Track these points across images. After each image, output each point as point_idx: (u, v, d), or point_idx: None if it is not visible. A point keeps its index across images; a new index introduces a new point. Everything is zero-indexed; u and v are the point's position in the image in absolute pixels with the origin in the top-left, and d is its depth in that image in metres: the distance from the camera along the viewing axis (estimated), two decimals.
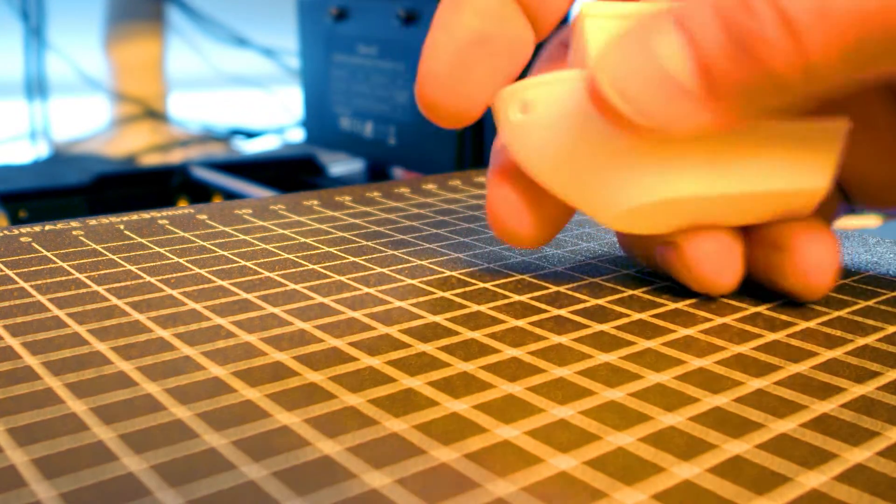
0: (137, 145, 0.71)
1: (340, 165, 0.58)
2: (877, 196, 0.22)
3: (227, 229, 0.25)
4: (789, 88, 0.15)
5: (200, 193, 0.50)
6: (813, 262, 0.18)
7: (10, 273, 0.20)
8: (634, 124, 0.16)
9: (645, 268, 0.21)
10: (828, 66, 0.15)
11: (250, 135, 0.75)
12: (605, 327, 0.18)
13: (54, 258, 0.22)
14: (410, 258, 0.22)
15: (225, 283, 0.20)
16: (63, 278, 0.20)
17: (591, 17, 0.18)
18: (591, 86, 0.16)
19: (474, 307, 0.19)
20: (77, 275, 0.20)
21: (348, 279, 0.20)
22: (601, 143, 0.18)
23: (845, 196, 0.22)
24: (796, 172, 0.18)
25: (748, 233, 0.19)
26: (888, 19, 0.14)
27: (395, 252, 0.23)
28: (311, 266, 0.21)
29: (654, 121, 0.16)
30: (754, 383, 0.15)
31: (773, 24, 0.15)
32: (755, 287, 0.20)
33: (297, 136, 0.75)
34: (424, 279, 0.21)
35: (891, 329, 0.18)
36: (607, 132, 0.17)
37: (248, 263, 0.22)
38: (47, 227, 0.24)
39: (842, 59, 0.15)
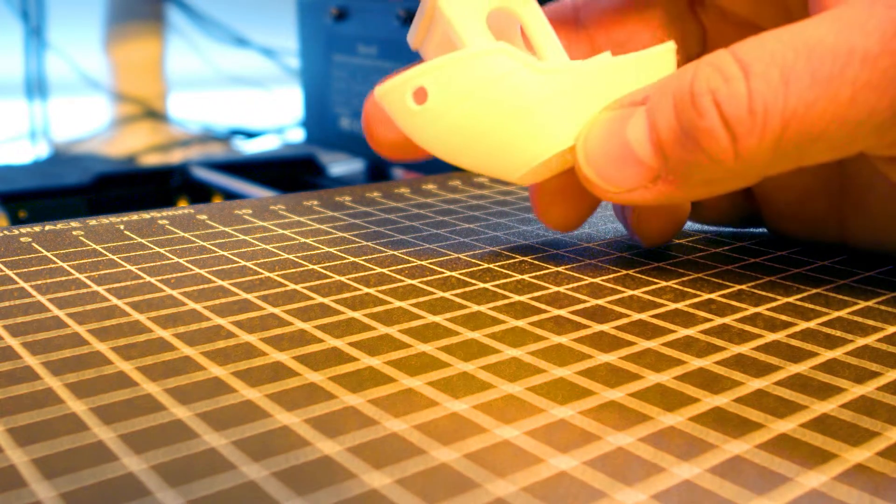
0: (137, 145, 0.71)
1: (340, 165, 0.58)
2: (785, 211, 0.24)
3: (227, 229, 0.25)
4: (728, 171, 0.17)
5: (200, 193, 0.50)
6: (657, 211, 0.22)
7: (10, 273, 0.20)
8: (613, 197, 0.19)
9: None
10: (759, 157, 0.17)
11: (250, 135, 0.75)
12: (605, 327, 0.18)
13: (54, 258, 0.22)
14: (410, 258, 0.22)
15: (225, 283, 0.20)
16: (63, 278, 0.20)
17: (445, 1, 0.20)
18: (575, 166, 0.19)
19: (474, 307, 0.19)
20: (77, 275, 0.20)
21: (348, 279, 0.20)
22: (501, 120, 0.19)
23: (751, 211, 0.24)
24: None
25: None
26: (807, 124, 0.16)
27: (395, 252, 0.23)
28: (311, 266, 0.21)
29: (626, 194, 0.19)
30: (754, 383, 0.15)
31: (714, 120, 0.17)
32: (755, 287, 0.20)
33: (297, 136, 0.75)
34: (424, 279, 0.21)
35: (891, 329, 0.18)
36: (506, 103, 0.19)
37: (248, 263, 0.22)
38: (47, 227, 0.24)
39: (772, 152, 0.17)
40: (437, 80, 0.19)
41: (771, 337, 0.17)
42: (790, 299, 0.19)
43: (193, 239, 0.24)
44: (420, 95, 0.19)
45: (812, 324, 0.18)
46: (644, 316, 0.18)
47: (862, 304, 0.19)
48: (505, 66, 0.19)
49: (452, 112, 0.19)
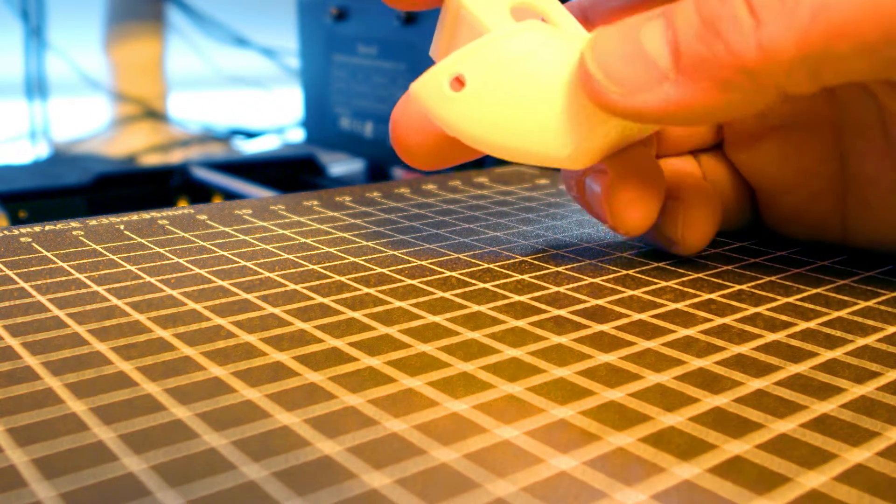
0: (137, 145, 0.71)
1: (340, 165, 0.58)
2: (782, 209, 0.23)
3: (227, 229, 0.25)
4: (744, 73, 0.16)
5: (200, 193, 0.50)
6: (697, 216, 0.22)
7: (10, 273, 0.20)
8: (615, 102, 0.18)
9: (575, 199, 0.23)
10: (782, 55, 0.16)
11: (250, 135, 0.75)
12: (605, 327, 0.18)
13: (54, 258, 0.22)
14: (410, 258, 0.22)
15: (225, 283, 0.20)
16: (63, 278, 0.20)
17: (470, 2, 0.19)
18: (581, 67, 0.18)
19: (474, 307, 0.19)
20: (77, 275, 0.20)
21: (348, 279, 0.20)
22: (543, 93, 0.19)
23: (754, 217, 0.24)
24: None
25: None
26: (840, 15, 0.15)
27: (395, 252, 0.23)
28: (311, 266, 0.21)
29: (630, 96, 0.17)
30: (754, 383, 0.15)
31: (740, 7, 0.16)
32: (755, 287, 0.20)
33: (297, 136, 0.75)
34: (424, 279, 0.21)
35: (891, 329, 0.18)
36: (545, 76, 0.19)
37: (248, 263, 0.22)
38: (47, 227, 0.24)
39: (796, 50, 0.16)
40: (474, 63, 0.19)
41: (771, 337, 0.17)
42: (790, 299, 0.19)
43: (193, 239, 0.24)
44: (458, 83, 0.19)
45: (812, 324, 0.18)
46: (644, 316, 0.18)
47: (862, 304, 0.19)
48: (540, 40, 0.19)
49: (492, 94, 0.19)
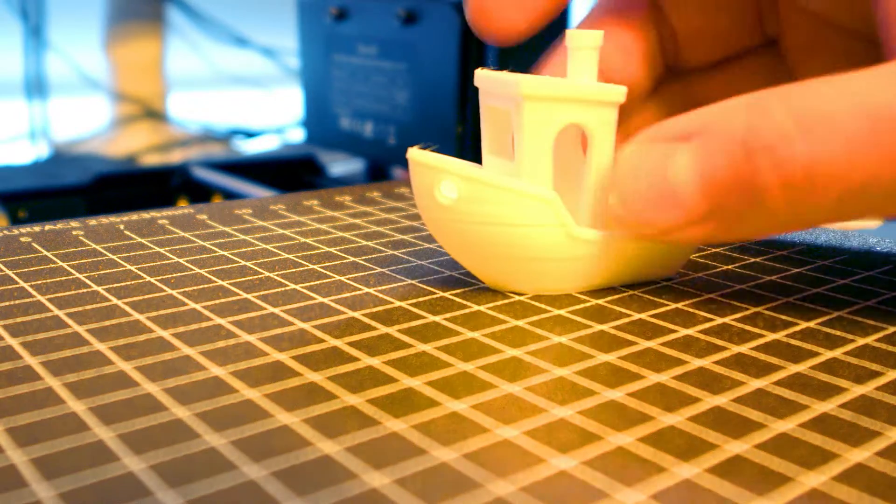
0: (137, 145, 0.71)
1: (340, 165, 0.58)
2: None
3: (227, 229, 0.25)
4: (777, 223, 0.17)
5: (200, 193, 0.50)
6: None
7: (10, 273, 0.20)
8: (640, 232, 0.18)
9: None
10: (817, 214, 0.16)
11: (250, 135, 0.75)
12: (605, 327, 0.18)
13: (54, 258, 0.22)
14: (410, 258, 0.22)
15: (225, 283, 0.20)
16: (63, 278, 0.20)
17: (531, 101, 0.18)
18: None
19: (474, 307, 0.19)
20: (77, 275, 0.20)
21: (348, 279, 0.20)
22: (517, 255, 0.19)
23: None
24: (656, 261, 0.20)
25: None
26: (869, 189, 0.16)
27: (395, 252, 0.23)
28: (311, 266, 0.21)
29: (658, 231, 0.18)
30: (754, 383, 0.15)
31: (770, 180, 0.16)
32: (755, 287, 0.20)
33: (297, 136, 0.75)
34: (424, 279, 0.21)
35: (891, 329, 0.18)
36: (527, 248, 0.19)
37: (248, 263, 0.22)
38: (47, 227, 0.24)
39: (832, 208, 0.16)
40: (471, 192, 0.18)
41: (771, 337, 0.17)
42: (790, 299, 0.19)
43: (193, 239, 0.24)
44: (450, 191, 0.18)
45: (812, 324, 0.18)
46: (644, 316, 0.18)
47: (862, 304, 0.19)
48: (539, 219, 0.18)
49: (474, 226, 0.19)
